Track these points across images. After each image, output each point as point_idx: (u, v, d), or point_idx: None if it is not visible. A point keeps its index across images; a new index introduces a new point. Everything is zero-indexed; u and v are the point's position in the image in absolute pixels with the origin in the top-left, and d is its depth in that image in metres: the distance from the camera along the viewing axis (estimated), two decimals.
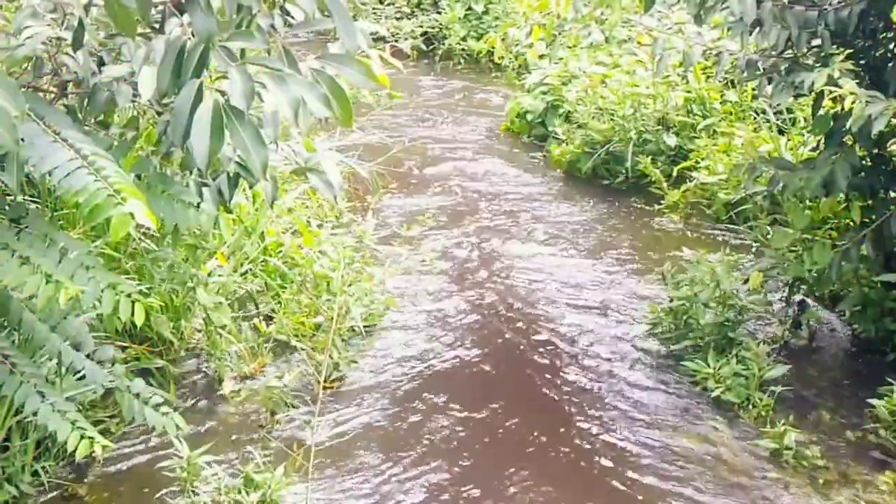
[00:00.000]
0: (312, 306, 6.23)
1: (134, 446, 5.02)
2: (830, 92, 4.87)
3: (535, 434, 5.36)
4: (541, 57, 10.72)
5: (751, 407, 5.46)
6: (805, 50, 5.42)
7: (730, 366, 5.62)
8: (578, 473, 5.07)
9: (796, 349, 6.17)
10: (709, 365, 5.66)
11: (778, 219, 6.90)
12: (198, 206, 3.85)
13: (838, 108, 4.98)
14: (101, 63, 3.64)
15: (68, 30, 3.41)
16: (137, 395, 4.25)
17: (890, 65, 5.37)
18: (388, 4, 14.47)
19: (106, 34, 3.58)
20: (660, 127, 9.12)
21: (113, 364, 4.33)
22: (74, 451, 3.83)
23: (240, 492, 4.48)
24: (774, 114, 8.71)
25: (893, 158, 5.42)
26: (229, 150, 3.56)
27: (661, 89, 9.20)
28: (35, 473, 4.57)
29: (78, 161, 3.12)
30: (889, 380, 5.37)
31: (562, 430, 5.40)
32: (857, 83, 4.90)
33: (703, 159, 8.55)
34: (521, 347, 6.26)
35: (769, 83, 5.57)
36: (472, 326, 6.53)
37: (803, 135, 8.15)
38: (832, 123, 5.55)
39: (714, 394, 5.55)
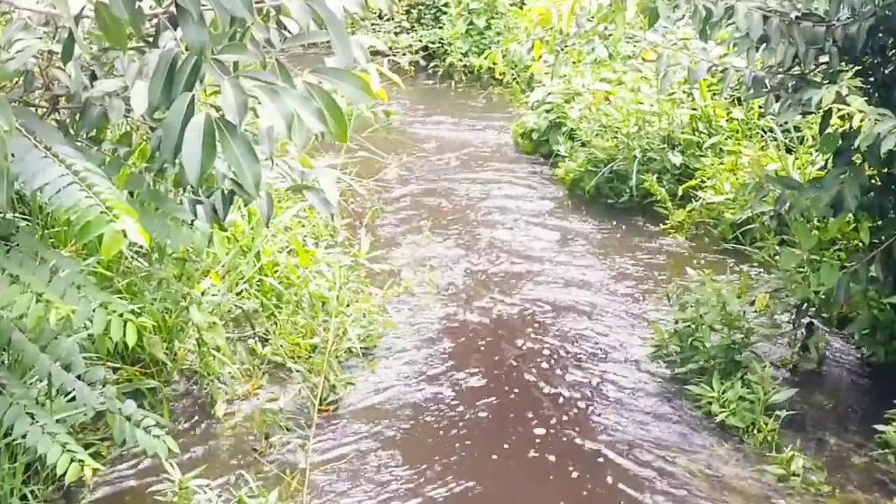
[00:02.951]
0: (308, 327, 6.24)
1: (125, 470, 5.01)
2: (839, 110, 4.87)
3: (537, 457, 5.35)
4: (546, 73, 10.76)
5: (756, 432, 5.44)
6: (813, 67, 5.42)
7: (734, 389, 5.60)
8: (580, 496, 5.06)
9: (804, 372, 6.16)
10: (713, 389, 5.65)
11: (785, 239, 6.90)
12: (191, 223, 3.85)
13: (847, 126, 4.98)
14: (93, 77, 3.65)
15: (60, 43, 3.42)
16: (129, 418, 4.26)
17: None
18: (388, 20, 14.52)
19: (99, 47, 3.59)
20: (665, 145, 9.14)
21: (104, 385, 4.33)
22: (64, 474, 3.83)
23: None
24: (782, 132, 8.72)
25: None
26: (224, 166, 3.57)
27: (666, 106, 9.22)
28: (24, 497, 4.55)
29: (69, 177, 3.11)
30: None
31: (564, 453, 5.39)
32: (866, 101, 4.90)
33: (708, 178, 8.56)
34: (522, 368, 6.26)
35: (776, 100, 5.57)
36: (472, 348, 6.53)
37: (811, 153, 8.16)
38: (840, 142, 5.55)
39: (718, 418, 5.54)
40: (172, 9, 2.84)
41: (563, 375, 6.20)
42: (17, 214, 4.98)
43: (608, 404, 5.87)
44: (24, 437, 3.92)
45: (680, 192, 8.69)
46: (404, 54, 14.06)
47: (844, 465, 5.30)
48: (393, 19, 14.66)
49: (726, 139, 9.02)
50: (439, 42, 14.52)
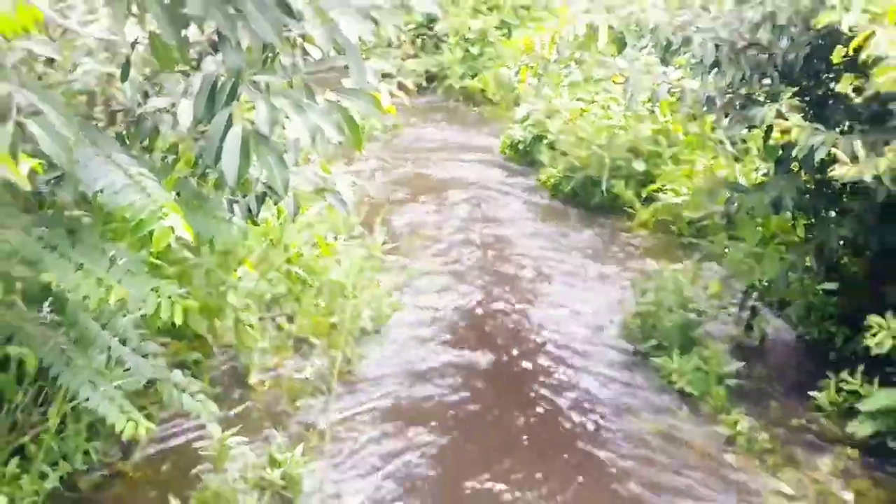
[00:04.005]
0: (328, 308, 6.24)
1: (173, 429, 5.02)
2: (779, 125, 4.88)
3: (520, 418, 5.37)
4: (531, 93, 10.73)
5: (709, 398, 5.46)
6: (757, 88, 5.42)
7: (691, 362, 5.62)
8: (557, 450, 5.07)
9: (749, 348, 6.17)
10: (672, 361, 5.67)
11: (733, 235, 6.91)
12: (229, 220, 3.86)
13: (786, 138, 4.97)
14: (145, 95, 3.65)
15: (118, 66, 3.42)
16: (176, 384, 4.26)
17: (830, 101, 5.38)
18: (396, 47, 14.51)
19: (150, 70, 3.59)
20: (631, 155, 9.13)
21: (155, 357, 4.33)
22: (122, 432, 3.84)
23: (264, 469, 4.48)
24: (731, 143, 8.70)
25: (833, 183, 5.43)
26: (256, 171, 3.56)
27: (632, 122, 9.21)
28: (87, 453, 4.56)
29: (126, 180, 3.12)
30: (829, 375, 5.37)
31: (543, 415, 5.40)
32: (802, 117, 4.90)
33: (668, 183, 8.56)
34: (509, 344, 6.26)
35: (726, 117, 5.58)
36: (466, 326, 6.53)
37: (755, 162, 8.15)
38: (780, 152, 5.56)
39: (677, 387, 5.56)
40: (214, 36, 2.84)
41: (542, 348, 6.20)
42: (81, 212, 4.97)
43: (581, 373, 5.88)
44: (87, 401, 3.92)
45: (644, 195, 8.68)
46: (409, 77, 14.04)
47: (783, 425, 5.32)
48: (400, 47, 14.62)
49: (683, 150, 9.01)
50: (439, 66, 14.49)
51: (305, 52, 3.16)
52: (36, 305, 4.20)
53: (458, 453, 5.02)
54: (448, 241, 8.19)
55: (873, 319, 4.70)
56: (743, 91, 5.47)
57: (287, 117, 2.84)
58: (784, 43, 5.12)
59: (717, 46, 5.23)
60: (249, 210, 3.88)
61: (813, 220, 5.86)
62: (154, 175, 3.27)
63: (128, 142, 3.81)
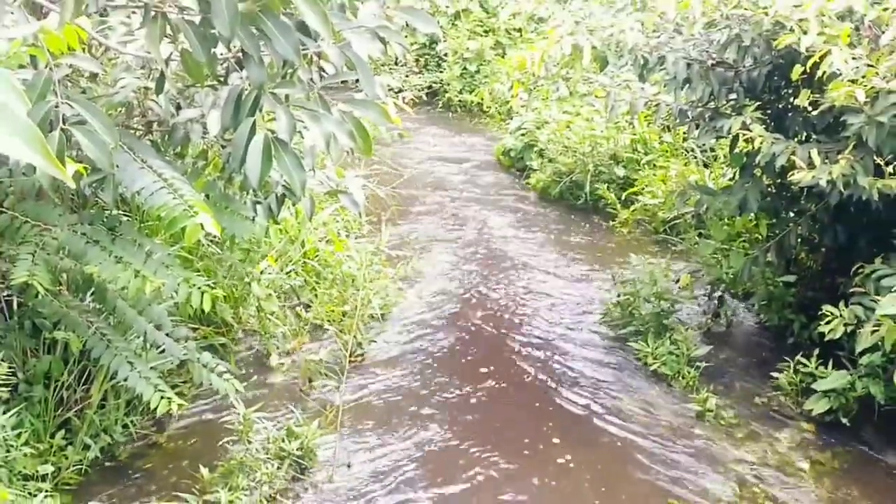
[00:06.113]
0: (341, 298, 6.25)
1: (202, 405, 5.03)
2: (744, 135, 4.88)
3: (511, 395, 5.37)
4: (522, 106, 10.74)
5: (681, 378, 5.46)
6: (724, 102, 5.42)
7: (664, 346, 5.63)
8: (545, 424, 5.07)
9: (716, 334, 6.17)
10: (648, 345, 5.67)
11: (703, 232, 6.91)
12: (253, 219, 3.87)
13: (750, 147, 4.98)
14: (178, 107, 3.65)
15: (153, 80, 3.42)
16: (205, 365, 4.27)
17: (790, 114, 5.38)
18: (402, 65, 14.52)
19: (182, 84, 3.59)
20: (612, 161, 9.14)
21: (186, 341, 4.34)
22: (156, 408, 3.85)
23: (283, 441, 4.48)
24: (700, 152, 8.72)
25: (792, 186, 5.43)
26: (277, 175, 3.57)
27: (613, 132, 9.21)
28: (125, 426, 4.57)
29: (160, 183, 3.13)
30: (787, 358, 5.37)
31: (530, 393, 5.40)
32: (765, 128, 4.90)
33: (645, 186, 8.56)
34: (501, 329, 6.26)
35: (696, 128, 5.57)
36: (463, 313, 6.53)
37: (723, 168, 8.16)
38: (745, 159, 5.55)
39: (652, 368, 5.56)
40: (239, 54, 2.84)
41: (530, 333, 6.19)
42: (120, 211, 4.98)
43: (565, 356, 5.87)
44: (125, 379, 3.93)
45: (623, 197, 8.69)
46: (412, 91, 14.05)
47: (747, 403, 5.32)
48: (406, 65, 14.62)
49: (658, 157, 9.02)
50: (440, 82, 14.49)
51: (321, 68, 3.17)
52: (80, 294, 4.22)
53: (456, 424, 5.02)
54: (446, 239, 8.20)
55: (827, 308, 4.69)
56: (711, 105, 5.47)
57: (305, 126, 2.85)
58: (748, 62, 5.12)
59: (688, 65, 5.23)
60: (271, 210, 3.89)
61: (774, 220, 5.86)
62: (185, 178, 3.28)
63: (162, 148, 3.82)
